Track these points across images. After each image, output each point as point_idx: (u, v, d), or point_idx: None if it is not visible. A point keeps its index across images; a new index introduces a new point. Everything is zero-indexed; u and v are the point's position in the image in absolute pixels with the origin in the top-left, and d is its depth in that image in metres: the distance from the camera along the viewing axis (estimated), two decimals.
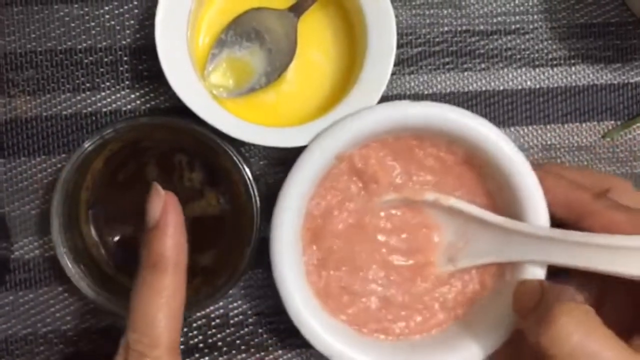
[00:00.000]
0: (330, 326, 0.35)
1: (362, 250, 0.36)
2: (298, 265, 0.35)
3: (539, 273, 0.34)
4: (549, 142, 0.41)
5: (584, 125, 0.41)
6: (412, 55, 0.40)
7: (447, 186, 0.36)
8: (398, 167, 0.36)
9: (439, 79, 0.40)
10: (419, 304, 0.36)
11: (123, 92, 0.39)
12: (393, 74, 0.38)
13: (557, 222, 0.34)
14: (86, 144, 0.34)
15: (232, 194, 0.37)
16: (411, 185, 0.36)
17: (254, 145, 0.39)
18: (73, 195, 0.36)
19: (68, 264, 0.34)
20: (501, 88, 0.40)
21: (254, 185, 0.35)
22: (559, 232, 0.32)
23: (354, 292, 0.36)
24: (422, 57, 0.40)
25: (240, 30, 0.37)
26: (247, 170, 0.35)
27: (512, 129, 0.40)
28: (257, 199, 0.35)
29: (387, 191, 0.36)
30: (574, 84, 0.40)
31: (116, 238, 0.37)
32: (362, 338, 0.36)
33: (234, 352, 0.40)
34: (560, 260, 0.32)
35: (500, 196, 0.36)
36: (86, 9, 0.38)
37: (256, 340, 0.40)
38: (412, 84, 0.40)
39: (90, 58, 0.39)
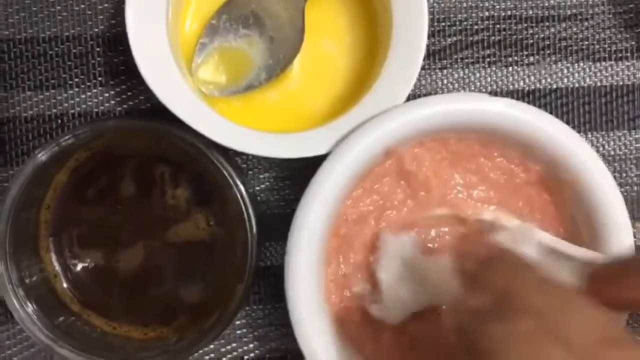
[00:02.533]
0: None
1: None
2: (317, 278, 0.29)
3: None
4: (612, 153, 0.34)
5: None
6: (445, 46, 0.33)
7: (512, 207, 0.30)
8: (456, 176, 0.30)
9: (478, 75, 0.33)
10: None
11: (95, 90, 0.32)
12: (422, 69, 0.32)
13: None
14: (39, 154, 0.27)
15: (225, 215, 0.31)
16: (469, 200, 0.29)
17: (251, 155, 0.32)
18: (28, 216, 0.29)
19: (14, 303, 0.28)
20: (554, 86, 0.33)
21: (249, 205, 0.28)
22: None
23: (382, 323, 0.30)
24: (458, 48, 0.33)
25: (236, 14, 0.31)
26: (242, 187, 0.28)
27: None
28: (254, 221, 0.28)
29: (439, 204, 0.29)
30: None
31: (83, 267, 0.31)
32: None
33: None
34: None
35: (577, 228, 0.29)
36: None
37: None
38: (445, 81, 0.33)
39: (56, 49, 0.32)
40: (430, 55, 0.33)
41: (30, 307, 0.28)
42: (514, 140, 0.29)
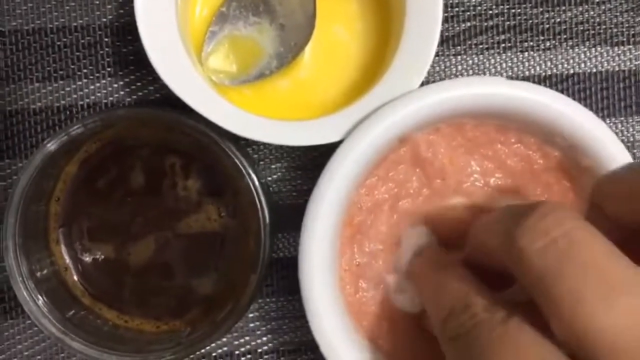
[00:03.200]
0: (363, 352, 0.28)
1: None
2: (332, 268, 0.28)
3: None
4: (631, 139, 0.33)
5: None
6: (459, 32, 0.32)
7: (530, 195, 0.29)
8: (472, 164, 0.29)
9: (492, 61, 0.32)
10: None
11: (104, 81, 0.32)
12: (435, 55, 0.31)
13: None
14: (49, 144, 0.27)
15: (237, 206, 0.30)
16: (486, 188, 0.29)
17: (263, 144, 0.32)
18: (37, 209, 0.29)
19: (24, 296, 0.27)
20: (571, 72, 0.32)
21: (261, 194, 0.28)
22: None
23: (399, 315, 0.29)
24: (473, 34, 0.32)
25: (246, 1, 0.31)
26: (255, 176, 0.28)
27: None
28: (266, 212, 0.28)
29: (454, 192, 0.29)
30: None
31: (93, 260, 0.30)
32: None
33: None
34: None
35: None
36: None
37: None
38: (460, 67, 0.32)
39: (64, 40, 0.32)
40: (444, 41, 0.32)
41: (40, 300, 0.27)
42: (532, 125, 0.28)
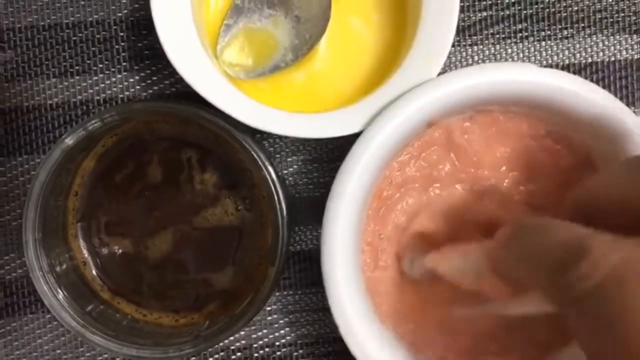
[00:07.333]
0: (384, 339, 0.28)
1: None
2: (355, 243, 0.28)
3: None
4: None
5: None
6: (475, 22, 0.32)
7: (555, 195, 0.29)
8: (502, 155, 0.29)
9: (510, 50, 0.32)
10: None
11: (120, 76, 0.32)
12: (452, 45, 0.30)
13: None
14: (67, 139, 0.27)
15: (253, 199, 0.30)
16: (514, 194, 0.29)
17: (279, 137, 0.31)
18: (56, 204, 0.29)
19: (45, 290, 0.27)
20: (589, 60, 0.32)
21: (279, 188, 0.28)
22: None
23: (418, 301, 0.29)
24: (489, 23, 0.32)
25: None
26: (271, 169, 0.28)
27: None
28: (284, 205, 0.28)
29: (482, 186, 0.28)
30: None
31: (112, 254, 0.30)
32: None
33: None
34: None
35: None
36: None
37: None
38: (477, 57, 0.32)
39: (80, 35, 0.32)
40: (460, 31, 0.32)
41: (60, 294, 0.28)
42: (560, 113, 0.27)
